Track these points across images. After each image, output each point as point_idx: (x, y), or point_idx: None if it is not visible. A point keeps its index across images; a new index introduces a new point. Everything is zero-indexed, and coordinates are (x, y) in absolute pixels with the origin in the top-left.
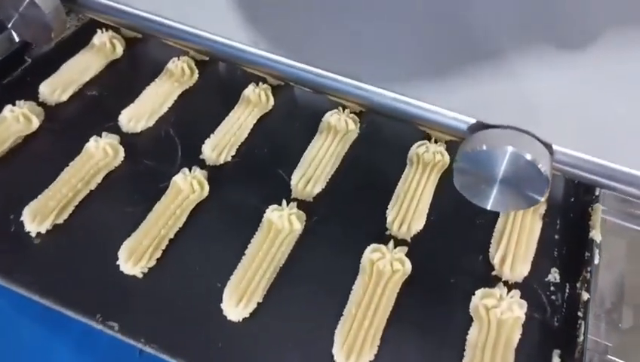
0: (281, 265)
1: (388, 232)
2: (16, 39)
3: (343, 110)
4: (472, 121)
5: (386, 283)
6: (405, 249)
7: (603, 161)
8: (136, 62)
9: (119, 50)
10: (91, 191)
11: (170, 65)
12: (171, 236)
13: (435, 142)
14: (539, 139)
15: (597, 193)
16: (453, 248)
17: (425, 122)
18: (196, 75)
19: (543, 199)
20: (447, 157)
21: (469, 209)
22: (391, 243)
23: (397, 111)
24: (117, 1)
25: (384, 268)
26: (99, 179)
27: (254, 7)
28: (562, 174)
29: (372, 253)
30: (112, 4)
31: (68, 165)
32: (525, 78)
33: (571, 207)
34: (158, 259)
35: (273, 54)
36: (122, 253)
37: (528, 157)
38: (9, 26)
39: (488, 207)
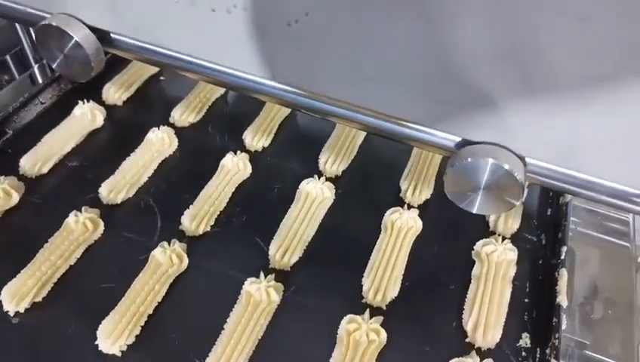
0: (259, 338)
1: (364, 300)
2: None
3: (319, 177)
4: (458, 139)
5: (363, 353)
6: (381, 319)
7: (568, 170)
8: (116, 131)
9: (100, 119)
10: (70, 266)
11: (151, 134)
12: (150, 311)
13: (409, 208)
14: (514, 153)
15: (562, 256)
16: (427, 315)
17: (418, 141)
18: (175, 144)
19: (518, 203)
20: (419, 223)
21: (443, 274)
22: (367, 314)
23: (394, 132)
24: (151, 43)
25: (360, 339)
26: (78, 254)
27: (273, 50)
28: (535, 183)
29: (348, 324)
30: (146, 45)
31: (47, 241)
32: (502, 103)
33: (540, 269)
34: (137, 336)
35: (287, 86)
36: (101, 332)
37: (506, 167)
38: (54, 66)
39: (474, 211)
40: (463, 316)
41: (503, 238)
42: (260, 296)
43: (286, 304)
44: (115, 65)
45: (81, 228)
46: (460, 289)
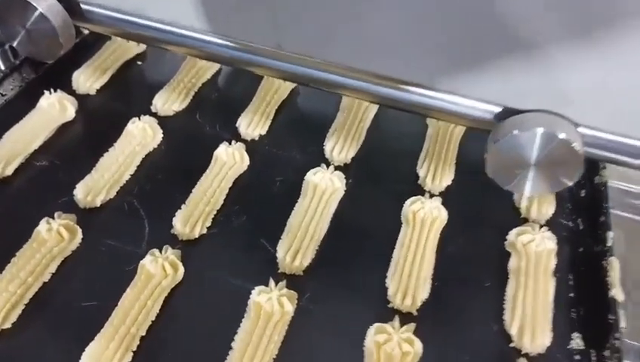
0: (274, 357)
1: (391, 305)
2: None
3: (327, 166)
4: (499, 108)
5: None
6: (413, 326)
7: (631, 141)
8: (91, 124)
9: (71, 111)
10: (44, 283)
11: (130, 126)
12: (143, 333)
13: (430, 196)
14: (568, 120)
15: (609, 243)
16: (464, 318)
17: (450, 114)
18: (160, 136)
19: (576, 179)
20: (444, 213)
21: (476, 269)
22: (397, 321)
23: (421, 104)
24: (130, 13)
25: (393, 352)
26: (53, 268)
27: (279, 8)
28: (593, 157)
29: (377, 335)
30: (123, 16)
31: (15, 255)
32: (554, 65)
33: (581, 258)
34: None
35: (297, 54)
36: (85, 361)
37: (562, 136)
38: (14, 44)
39: (527, 194)
40: (505, 317)
41: (540, 226)
42: (271, 308)
43: (301, 314)
44: (85, 50)
45: (55, 237)
46: (496, 287)
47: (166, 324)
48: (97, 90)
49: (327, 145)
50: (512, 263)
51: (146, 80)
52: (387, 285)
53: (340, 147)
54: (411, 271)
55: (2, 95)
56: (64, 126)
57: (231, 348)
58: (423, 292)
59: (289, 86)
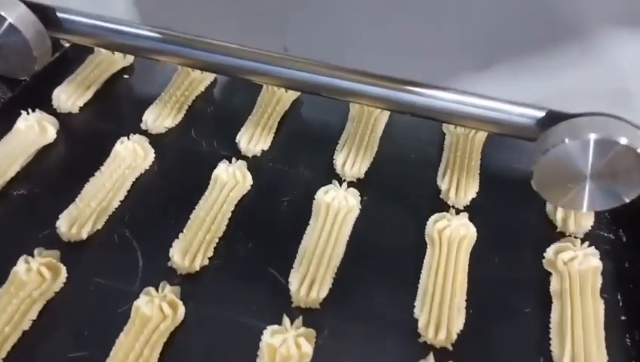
0: None
1: (422, 339)
2: None
3: (339, 183)
4: (541, 113)
5: None
6: None
7: None
8: (74, 145)
9: (51, 132)
10: (24, 332)
11: (119, 146)
12: None
13: (456, 211)
14: (629, 123)
15: None
16: (506, 352)
17: (483, 121)
18: (152, 156)
19: None
20: (472, 230)
21: (513, 293)
22: (431, 359)
23: (448, 111)
24: (112, 20)
25: None
26: (34, 314)
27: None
28: None
29: None
30: (105, 24)
31: None
32: (608, 58)
33: (628, 275)
34: None
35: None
36: None
37: (623, 141)
38: None
39: (584, 209)
40: (552, 349)
41: (582, 241)
42: (287, 350)
43: (321, 355)
44: (66, 65)
45: (35, 278)
46: (538, 312)
47: None
48: (80, 107)
49: (338, 160)
50: (553, 285)
51: (134, 95)
52: (416, 316)
53: (352, 161)
54: (443, 299)
55: None
56: (44, 149)
57: None
58: (458, 323)
59: (291, 96)
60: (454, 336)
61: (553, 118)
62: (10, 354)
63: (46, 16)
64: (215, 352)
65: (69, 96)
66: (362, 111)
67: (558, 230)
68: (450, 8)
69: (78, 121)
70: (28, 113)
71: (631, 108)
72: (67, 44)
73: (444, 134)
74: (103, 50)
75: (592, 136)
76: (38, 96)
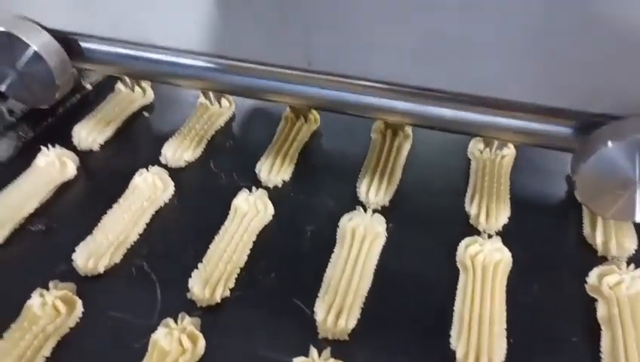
0: None
1: None
2: None
3: (365, 210)
4: (576, 119)
5: None
6: None
7: None
8: (94, 181)
9: (71, 168)
10: None
11: (138, 178)
12: None
13: (489, 236)
14: None
15: None
16: None
17: (515, 133)
18: (171, 189)
19: None
20: (507, 255)
21: (556, 322)
22: None
23: (477, 123)
24: (131, 48)
25: None
26: (47, 351)
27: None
28: None
29: None
30: (128, 51)
31: (2, 337)
32: None
33: None
34: None
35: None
36: None
37: None
38: (3, 88)
39: (636, 219)
40: None
41: (627, 263)
42: None
43: None
44: (87, 106)
45: (50, 312)
46: (586, 342)
47: None
48: (101, 145)
49: (362, 187)
50: (600, 311)
51: (153, 132)
52: (454, 347)
53: (376, 188)
54: (481, 328)
55: None
56: (64, 186)
57: None
58: (500, 353)
59: (311, 126)
60: None
61: (591, 122)
62: None
63: (69, 45)
64: None
65: (89, 133)
66: (384, 139)
67: (599, 254)
68: (484, 7)
69: (98, 157)
70: (48, 149)
71: None
72: (89, 87)
73: (469, 160)
74: (123, 88)
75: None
76: (59, 135)
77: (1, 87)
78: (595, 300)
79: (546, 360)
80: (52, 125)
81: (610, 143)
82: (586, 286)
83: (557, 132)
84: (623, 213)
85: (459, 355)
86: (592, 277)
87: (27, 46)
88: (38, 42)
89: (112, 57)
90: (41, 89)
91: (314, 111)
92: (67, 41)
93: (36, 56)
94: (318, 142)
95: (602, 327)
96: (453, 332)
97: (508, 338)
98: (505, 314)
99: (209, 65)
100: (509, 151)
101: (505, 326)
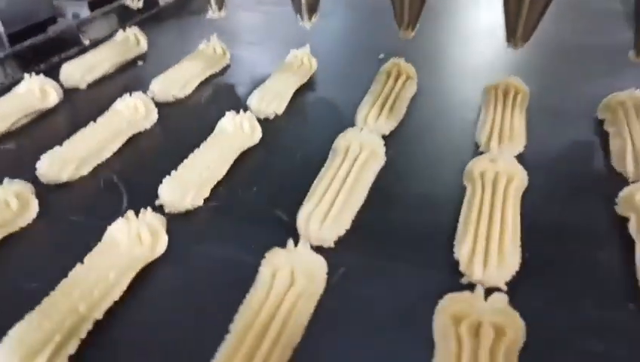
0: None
1: (465, 279)
2: None
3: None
4: None
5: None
6: (505, 299)
7: None
8: (75, 111)
9: (52, 98)
10: None
11: (119, 103)
12: (98, 316)
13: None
14: None
15: None
16: (580, 298)
17: None
18: (154, 116)
19: None
20: (522, 171)
21: (582, 238)
22: (480, 290)
23: None
24: None
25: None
26: None
27: None
28: None
29: (450, 308)
30: None
31: None
32: None
33: None
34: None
35: None
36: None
37: None
38: None
39: None
40: None
41: None
42: (287, 276)
43: (339, 294)
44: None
45: (1, 208)
46: (616, 257)
47: (134, 308)
48: (88, 84)
49: (360, 113)
50: (633, 226)
51: (145, 76)
52: (456, 256)
53: (376, 114)
54: (490, 235)
55: None
56: (43, 115)
57: (228, 331)
58: (512, 263)
59: (310, 70)
60: (510, 271)
61: None
62: None
63: None
64: (197, 289)
65: (77, 69)
66: (388, 78)
67: (630, 181)
68: None
69: (83, 94)
70: (30, 76)
71: None
72: (87, 42)
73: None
74: (119, 38)
75: None
76: (49, 75)
77: None
78: (626, 220)
79: (569, 277)
80: (43, 70)
81: None
82: (616, 207)
83: None
84: None
85: (463, 261)
86: (624, 194)
87: None
88: None
89: None
90: None
91: (310, 56)
92: None
93: None
94: (315, 83)
95: (637, 241)
96: (457, 240)
97: (523, 253)
98: (519, 225)
99: None
100: (523, 92)
101: (519, 236)
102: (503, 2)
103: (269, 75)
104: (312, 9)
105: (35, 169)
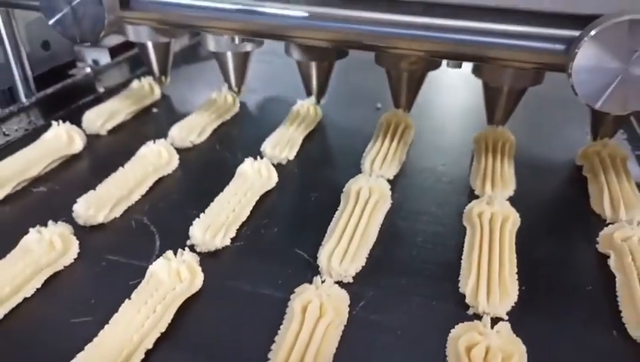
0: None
1: (471, 310)
2: None
3: (370, 174)
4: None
5: None
6: (507, 326)
7: None
8: (98, 156)
9: (78, 143)
10: (26, 299)
11: (144, 149)
12: (149, 346)
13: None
14: None
15: None
16: (569, 326)
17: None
18: (176, 160)
19: None
20: (515, 213)
21: (571, 273)
22: (487, 321)
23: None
24: None
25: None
26: (38, 283)
27: None
28: None
29: (462, 340)
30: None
31: None
32: None
33: None
34: None
35: None
36: None
37: None
38: (51, 21)
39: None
40: (626, 320)
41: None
42: (316, 309)
43: (359, 327)
44: (98, 102)
45: (45, 248)
46: (600, 291)
47: (176, 339)
48: (108, 130)
49: (366, 160)
50: (614, 263)
51: (162, 122)
52: (462, 290)
53: (381, 161)
54: (491, 270)
55: (5, 134)
56: (69, 160)
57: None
58: (511, 295)
59: (316, 118)
60: (508, 307)
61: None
62: (10, 317)
63: None
64: (234, 321)
65: (98, 117)
66: (389, 126)
67: (607, 222)
68: None
69: (105, 140)
70: (58, 124)
71: None
72: (102, 90)
73: (472, 147)
74: (135, 86)
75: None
76: (69, 121)
77: (51, 20)
78: (607, 256)
79: (561, 306)
80: (63, 116)
81: (593, 32)
82: (597, 245)
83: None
84: (612, 103)
85: (468, 294)
86: (604, 234)
87: None
88: None
89: (153, 6)
90: (90, 26)
91: (316, 106)
92: None
93: None
94: (321, 131)
95: (617, 275)
96: (462, 275)
97: (520, 286)
98: (515, 261)
99: (244, 7)
100: (510, 141)
101: (515, 270)
102: (484, 93)
103: (275, 121)
104: (322, 91)
105: (68, 211)
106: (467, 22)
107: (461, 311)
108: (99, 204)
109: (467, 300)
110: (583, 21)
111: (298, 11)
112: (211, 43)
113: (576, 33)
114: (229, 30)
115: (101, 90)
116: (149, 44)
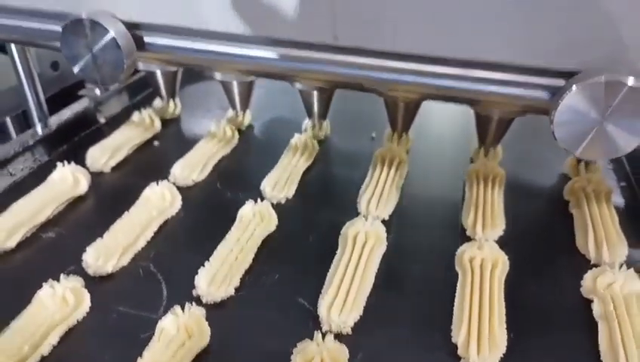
0: None
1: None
2: None
3: (366, 218)
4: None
5: None
6: None
7: None
8: (105, 196)
9: (83, 184)
10: (43, 358)
11: (148, 191)
12: None
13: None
14: None
15: None
16: None
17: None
18: (179, 201)
19: None
20: (504, 257)
21: (556, 318)
22: None
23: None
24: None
25: None
26: (54, 339)
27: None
28: None
29: None
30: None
31: (8, 326)
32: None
33: None
34: None
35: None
36: None
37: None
38: (76, 70)
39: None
40: None
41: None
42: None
43: None
44: (98, 137)
45: (59, 303)
46: (584, 337)
47: None
48: (112, 167)
49: (362, 201)
50: (597, 310)
51: (163, 157)
52: (454, 340)
53: (377, 201)
54: (481, 320)
55: (11, 174)
56: (75, 201)
57: None
58: (501, 344)
59: (313, 152)
60: (499, 353)
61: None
62: None
63: (135, 35)
64: None
65: (102, 155)
66: (383, 164)
67: (592, 262)
68: None
69: (109, 178)
70: (63, 165)
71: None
72: (103, 120)
73: (464, 182)
74: (136, 119)
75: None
76: (72, 160)
77: (75, 66)
78: (591, 300)
79: (546, 354)
80: (66, 151)
81: (574, 88)
82: (581, 289)
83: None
84: (590, 151)
85: (460, 346)
86: (587, 279)
87: (106, 32)
88: (114, 29)
89: (167, 49)
90: (110, 70)
91: (313, 140)
92: (134, 32)
93: (112, 41)
94: (318, 167)
95: (599, 323)
96: (454, 326)
97: (508, 333)
98: (504, 308)
99: (255, 54)
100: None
101: (504, 319)
102: (475, 119)
103: (274, 153)
104: (323, 116)
105: (77, 258)
106: (463, 70)
107: (453, 360)
108: (107, 254)
109: (459, 352)
110: (567, 75)
111: (299, 58)
112: (218, 73)
113: (561, 83)
114: (237, 71)
115: (102, 120)
116: (158, 73)
